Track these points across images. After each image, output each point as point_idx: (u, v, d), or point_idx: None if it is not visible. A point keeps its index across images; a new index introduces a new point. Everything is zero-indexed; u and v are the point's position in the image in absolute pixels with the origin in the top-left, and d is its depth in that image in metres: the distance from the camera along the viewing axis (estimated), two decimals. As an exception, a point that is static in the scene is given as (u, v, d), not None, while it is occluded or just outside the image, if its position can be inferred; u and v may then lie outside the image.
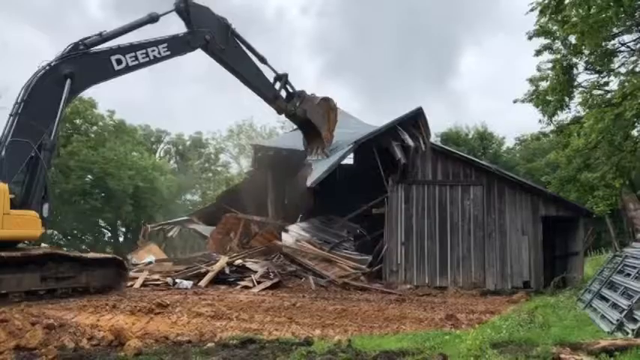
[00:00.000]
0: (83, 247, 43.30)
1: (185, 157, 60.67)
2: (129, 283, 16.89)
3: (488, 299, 18.69)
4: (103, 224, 47.51)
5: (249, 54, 19.02)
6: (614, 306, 11.33)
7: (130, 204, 43.20)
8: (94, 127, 44.87)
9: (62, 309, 11.59)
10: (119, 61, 15.09)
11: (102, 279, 14.80)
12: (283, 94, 20.94)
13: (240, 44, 18.60)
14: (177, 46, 16.61)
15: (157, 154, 58.40)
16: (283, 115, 22.22)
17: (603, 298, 12.59)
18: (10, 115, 13.86)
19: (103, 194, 42.16)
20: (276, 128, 61.05)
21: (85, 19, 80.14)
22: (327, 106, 22.09)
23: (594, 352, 7.71)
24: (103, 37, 15.06)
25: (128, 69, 15.36)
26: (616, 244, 26.01)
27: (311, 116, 21.42)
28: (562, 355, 7.17)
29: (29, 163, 13.60)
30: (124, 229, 49.03)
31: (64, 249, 28.95)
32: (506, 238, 22.68)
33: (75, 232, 45.68)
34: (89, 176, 41.37)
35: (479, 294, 20.21)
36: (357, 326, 12.15)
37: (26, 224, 13.17)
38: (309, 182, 22.01)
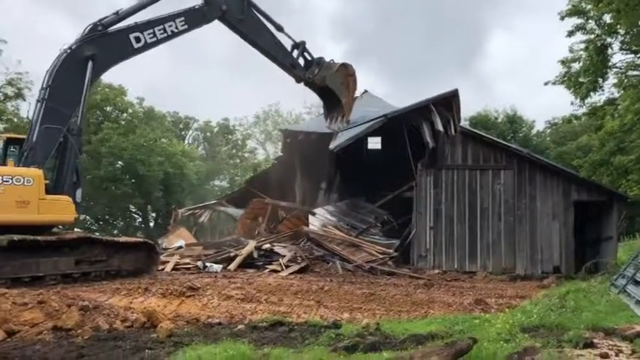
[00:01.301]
0: (115, 232, 44.17)
1: (213, 143, 61.18)
2: (160, 267, 17.18)
3: (518, 284, 18.49)
4: (133, 209, 48.38)
5: (266, 23, 18.85)
6: (650, 291, 11.10)
7: (160, 189, 43.85)
8: (124, 114, 45.53)
9: (96, 291, 11.88)
10: (138, 39, 15.10)
11: (134, 262, 15.08)
12: (301, 62, 20.63)
13: (257, 13, 18.43)
14: (193, 18, 16.47)
15: (186, 141, 59.02)
16: (302, 85, 21.66)
17: (638, 284, 12.33)
18: (37, 101, 14.13)
19: (133, 180, 42.89)
20: (302, 114, 61.02)
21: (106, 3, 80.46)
22: (346, 72, 21.73)
23: (629, 337, 7.57)
24: (120, 16, 15.05)
25: (147, 46, 15.37)
26: (651, 229, 25.46)
27: (330, 83, 21.14)
28: (595, 340, 7.06)
29: (58, 148, 13.88)
30: (154, 215, 49.82)
31: (96, 234, 29.68)
32: (536, 222, 22.35)
33: (107, 217, 46.63)
34: (120, 162, 42.10)
35: (508, 279, 19.99)
36: (385, 310, 12.17)
37: (61, 209, 13.52)
38: (332, 146, 21.79)
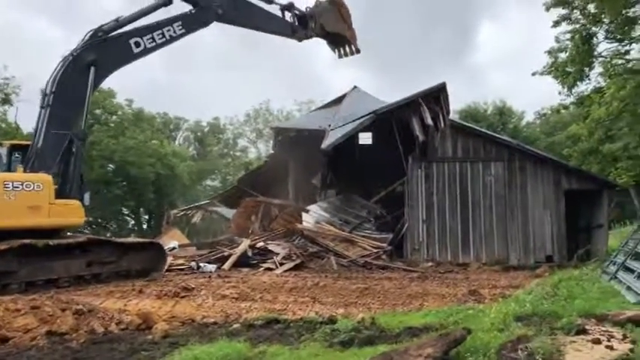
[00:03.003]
0: (108, 234, 44.02)
1: (204, 143, 61.06)
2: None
3: (511, 274, 18.58)
4: (126, 212, 48.28)
5: (256, 1, 19.03)
6: (640, 277, 11.22)
7: (152, 191, 43.80)
8: (114, 117, 45.35)
9: (90, 295, 11.87)
10: (137, 44, 15.34)
11: (142, 263, 15.39)
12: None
13: None
14: (191, 22, 16.74)
15: (177, 141, 58.89)
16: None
17: (629, 270, 12.46)
18: (41, 107, 14.36)
19: (125, 182, 42.75)
20: (293, 111, 61.14)
21: (99, 10, 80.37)
22: (338, 5, 21.89)
23: (620, 322, 7.66)
24: (120, 23, 15.34)
25: (147, 51, 15.62)
26: (641, 216, 25.68)
27: (329, 27, 21.33)
28: (587, 327, 7.13)
29: (64, 152, 14.06)
30: (146, 216, 49.76)
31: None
32: (528, 212, 22.50)
33: (99, 220, 46.44)
34: (110, 165, 41.96)
35: (502, 269, 20.09)
36: (380, 304, 12.22)
37: (70, 212, 13.82)
38: (323, 145, 22.02)
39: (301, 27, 20.54)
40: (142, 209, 48.02)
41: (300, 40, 21.07)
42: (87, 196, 14.47)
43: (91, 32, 14.77)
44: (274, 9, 19.64)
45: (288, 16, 20.09)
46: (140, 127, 45.47)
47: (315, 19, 20.80)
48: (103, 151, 40.12)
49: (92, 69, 14.39)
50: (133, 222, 49.92)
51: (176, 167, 45.47)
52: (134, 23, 15.75)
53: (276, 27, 19.80)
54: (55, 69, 14.44)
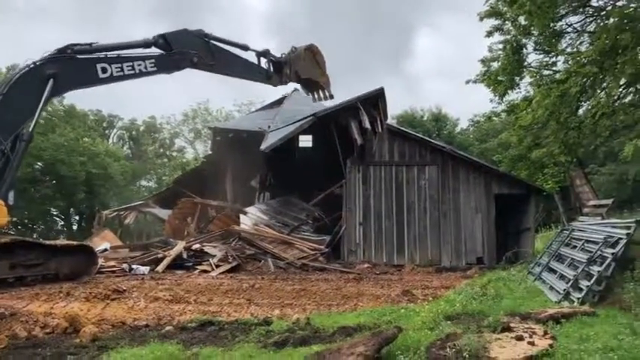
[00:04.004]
0: (35, 236, 42.03)
1: (139, 142, 59.43)
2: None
3: (443, 275, 19.13)
4: (55, 212, 46.26)
5: (231, 49, 19.03)
6: (562, 277, 11.82)
7: (83, 191, 42.19)
8: (43, 113, 43.37)
9: (13, 298, 11.33)
10: (104, 70, 14.99)
11: (71, 266, 14.78)
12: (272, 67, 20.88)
13: (220, 44, 18.60)
14: (164, 64, 16.54)
15: (110, 140, 57.03)
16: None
17: (552, 270, 13.11)
18: None
19: (54, 181, 40.99)
20: (233, 112, 60.54)
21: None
22: (313, 53, 22.07)
23: (542, 320, 8.06)
24: (93, 48, 15.06)
25: (112, 79, 15.25)
26: (564, 219, 26.99)
27: (304, 74, 21.44)
28: (512, 324, 7.45)
29: (5, 152, 13.37)
30: (77, 217, 47.88)
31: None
32: (460, 216, 23.23)
33: (25, 221, 44.29)
34: (39, 163, 40.12)
35: (434, 271, 20.64)
36: (316, 305, 12.30)
37: None
38: (262, 146, 22.02)
39: (276, 73, 20.63)
40: (72, 210, 46.14)
41: (275, 85, 21.22)
42: (11, 195, 13.80)
43: (60, 48, 14.42)
44: (250, 55, 19.70)
45: (263, 62, 20.10)
46: (71, 124, 43.75)
47: (290, 66, 20.89)
48: (30, 148, 38.26)
49: (50, 81, 13.94)
50: (62, 223, 47.91)
51: (109, 167, 44.01)
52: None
53: (252, 75, 19.87)
54: (13, 73, 14.25)
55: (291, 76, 21.07)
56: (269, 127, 26.38)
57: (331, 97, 22.54)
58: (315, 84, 22.13)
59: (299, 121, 23.77)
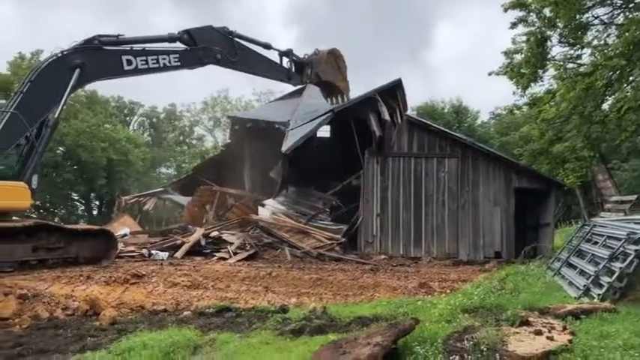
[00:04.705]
0: (56, 220, 42.68)
1: (159, 129, 59.86)
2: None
3: (460, 269, 19.02)
4: (76, 197, 46.89)
5: (254, 47, 19.15)
6: (582, 273, 11.67)
7: (104, 176, 42.70)
8: (67, 100, 43.83)
9: (36, 280, 11.52)
10: (129, 62, 15.33)
11: (91, 250, 15.04)
12: (293, 67, 21.11)
13: (244, 42, 18.72)
14: (188, 59, 16.87)
15: (131, 127, 57.52)
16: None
17: (571, 266, 12.95)
18: (15, 92, 14.41)
19: (75, 167, 41.52)
20: (252, 101, 60.62)
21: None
22: (335, 57, 22.18)
23: (561, 315, 7.98)
24: (119, 40, 15.43)
25: (137, 71, 15.61)
26: (585, 215, 26.64)
27: (325, 77, 21.63)
28: (530, 319, 7.39)
29: (29, 137, 13.80)
30: (97, 202, 48.49)
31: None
32: (479, 209, 23.02)
33: (47, 205, 44.98)
34: (61, 148, 40.65)
35: (452, 264, 20.54)
36: (332, 294, 12.33)
37: (16, 195, 13.34)
38: (283, 148, 22.12)
39: (297, 73, 20.83)
40: (92, 195, 46.73)
41: (295, 85, 21.85)
42: (35, 179, 14.07)
43: (87, 38, 14.77)
44: (273, 54, 19.96)
45: (285, 61, 20.33)
46: (93, 110, 44.20)
47: (312, 67, 21.12)
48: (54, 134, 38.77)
49: (77, 71, 14.31)
50: (82, 208, 48.55)
51: (130, 153, 44.45)
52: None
53: (273, 73, 20.16)
54: (41, 61, 14.56)
55: (312, 77, 21.33)
56: (288, 121, 26.40)
57: (348, 99, 22.65)
58: (334, 88, 22.28)
59: (317, 118, 23.73)
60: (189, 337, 7.29)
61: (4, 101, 14.88)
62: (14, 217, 14.35)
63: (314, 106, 26.57)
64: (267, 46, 19.74)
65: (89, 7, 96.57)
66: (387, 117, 22.32)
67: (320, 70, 21.18)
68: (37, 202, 42.75)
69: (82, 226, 17.18)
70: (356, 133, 23.43)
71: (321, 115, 23.49)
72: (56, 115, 14.49)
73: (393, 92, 23.31)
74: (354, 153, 23.54)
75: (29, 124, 13.59)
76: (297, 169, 24.38)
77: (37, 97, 13.82)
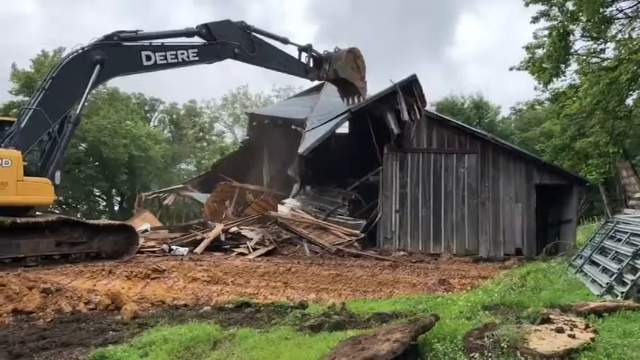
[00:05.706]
0: (78, 215, 43.30)
1: (179, 126, 60.28)
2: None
3: (480, 265, 18.87)
4: (97, 193, 47.49)
5: (272, 41, 19.19)
6: (605, 270, 11.48)
7: (125, 172, 43.18)
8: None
9: (59, 274, 11.72)
10: (148, 57, 15.56)
11: (113, 245, 15.31)
12: (311, 62, 21.16)
13: (262, 37, 18.77)
14: (206, 53, 17.03)
15: (151, 123, 58.02)
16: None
17: (594, 263, 12.75)
18: (37, 89, 14.73)
19: (97, 163, 42.05)
20: (271, 97, 60.77)
21: None
22: (354, 56, 22.11)
23: (583, 313, 7.85)
24: (138, 36, 15.67)
25: (156, 66, 15.81)
26: (608, 212, 26.20)
27: (342, 74, 21.57)
28: (552, 316, 7.28)
29: (51, 134, 14.11)
30: (118, 198, 49.04)
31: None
32: (499, 205, 22.81)
33: (69, 200, 45.65)
34: (83, 145, 41.19)
35: (472, 261, 20.38)
36: (351, 290, 12.33)
37: (39, 191, 13.64)
38: (301, 150, 22.16)
39: (315, 68, 20.85)
40: (114, 190, 47.30)
41: (312, 80, 21.91)
42: (58, 175, 14.31)
43: (107, 35, 15.05)
44: (290, 49, 20.02)
45: (304, 56, 20.37)
46: (114, 106, 44.67)
47: (330, 63, 21.11)
48: (76, 130, 39.27)
49: (97, 67, 14.56)
50: (104, 203, 49.16)
51: (150, 149, 44.86)
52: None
53: (290, 68, 20.27)
54: (62, 58, 14.91)
55: (330, 73, 21.28)
56: (305, 119, 26.36)
57: (364, 99, 22.53)
58: (351, 87, 22.14)
59: (334, 118, 23.67)
60: (209, 332, 7.34)
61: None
62: (37, 213, 14.59)
63: (332, 104, 26.52)
64: (285, 41, 19.77)
65: (110, 5, 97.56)
66: (405, 117, 22.17)
67: (338, 67, 21.14)
68: (60, 198, 43.47)
69: (104, 221, 17.47)
70: (374, 130, 23.32)
71: (338, 116, 23.43)
72: (78, 111, 14.76)
73: (410, 88, 23.15)
74: (372, 149, 23.45)
75: (51, 121, 13.80)
76: (315, 166, 24.37)
77: (59, 93, 14.06)
